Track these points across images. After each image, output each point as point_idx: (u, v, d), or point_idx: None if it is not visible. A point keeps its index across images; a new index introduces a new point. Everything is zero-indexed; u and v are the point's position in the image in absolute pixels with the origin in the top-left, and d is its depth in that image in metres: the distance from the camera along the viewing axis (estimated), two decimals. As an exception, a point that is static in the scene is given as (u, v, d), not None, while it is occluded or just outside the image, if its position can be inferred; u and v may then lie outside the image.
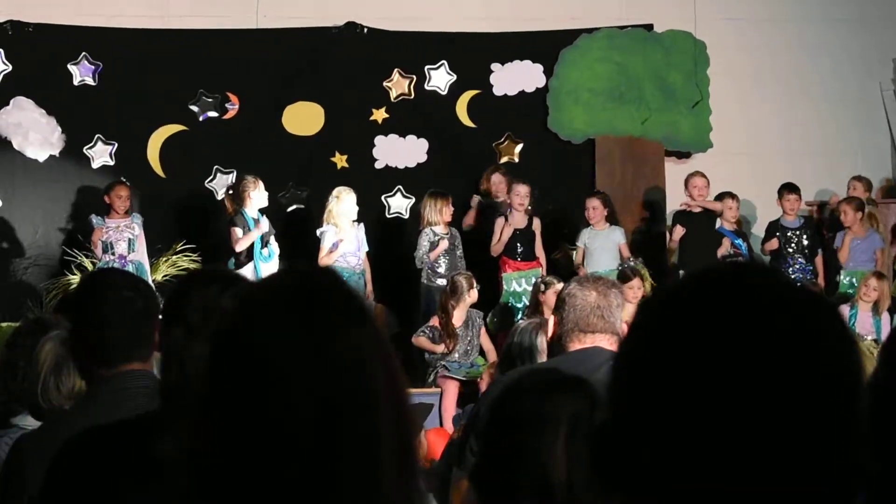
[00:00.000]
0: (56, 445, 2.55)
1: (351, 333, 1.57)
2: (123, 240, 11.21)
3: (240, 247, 11.03)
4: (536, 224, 11.71)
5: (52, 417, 3.32)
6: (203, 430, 1.55)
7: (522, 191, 11.63)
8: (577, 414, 2.43)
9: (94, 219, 11.31)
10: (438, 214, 11.30)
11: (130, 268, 11.03)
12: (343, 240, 11.17)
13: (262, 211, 11.32)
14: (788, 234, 12.17)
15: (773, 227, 12.26)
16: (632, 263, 11.02)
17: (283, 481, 1.49)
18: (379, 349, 1.60)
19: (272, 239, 11.32)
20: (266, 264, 11.09)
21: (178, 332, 2.54)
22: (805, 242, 12.16)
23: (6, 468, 2.96)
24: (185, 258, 11.50)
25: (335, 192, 11.31)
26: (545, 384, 2.50)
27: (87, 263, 11.52)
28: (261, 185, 11.30)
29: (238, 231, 11.08)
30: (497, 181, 12.24)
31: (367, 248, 11.41)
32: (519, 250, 11.58)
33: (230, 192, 11.66)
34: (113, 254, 11.15)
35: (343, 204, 11.23)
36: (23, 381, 3.81)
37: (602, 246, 11.70)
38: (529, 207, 11.65)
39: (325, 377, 1.51)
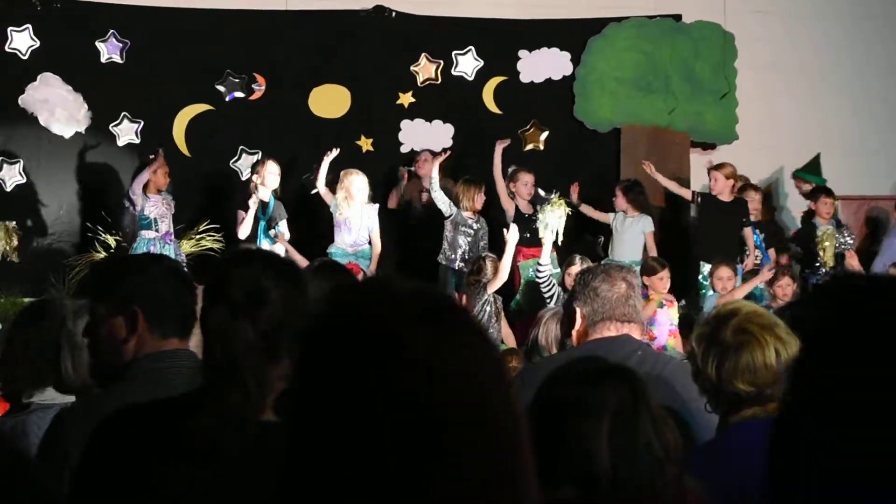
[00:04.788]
0: (96, 421, 2.56)
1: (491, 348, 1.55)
2: (168, 217, 11.21)
3: (241, 233, 10.99)
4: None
5: (94, 393, 3.32)
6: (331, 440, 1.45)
7: (529, 179, 11.71)
8: (622, 402, 2.42)
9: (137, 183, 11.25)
10: (470, 202, 11.30)
11: (173, 246, 11.06)
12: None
13: (275, 193, 11.26)
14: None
15: (809, 228, 12.22)
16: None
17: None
18: None
19: (283, 223, 11.26)
20: (272, 246, 11.04)
21: (221, 312, 2.55)
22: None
23: (46, 441, 2.97)
24: (209, 238, 11.51)
25: (344, 174, 11.26)
26: (592, 373, 2.49)
27: (111, 241, 11.54)
28: (270, 164, 11.27)
29: (241, 214, 11.06)
30: (423, 158, 12.19)
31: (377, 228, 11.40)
32: (527, 236, 11.58)
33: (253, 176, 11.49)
34: (157, 230, 11.13)
35: (355, 186, 11.20)
36: (38, 359, 3.75)
37: (629, 234, 11.69)
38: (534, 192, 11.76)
39: (474, 395, 1.47)
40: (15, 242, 11.62)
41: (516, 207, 11.71)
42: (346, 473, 1.41)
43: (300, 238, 11.38)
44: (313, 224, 12.18)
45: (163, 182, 11.27)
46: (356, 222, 11.20)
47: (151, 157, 11.59)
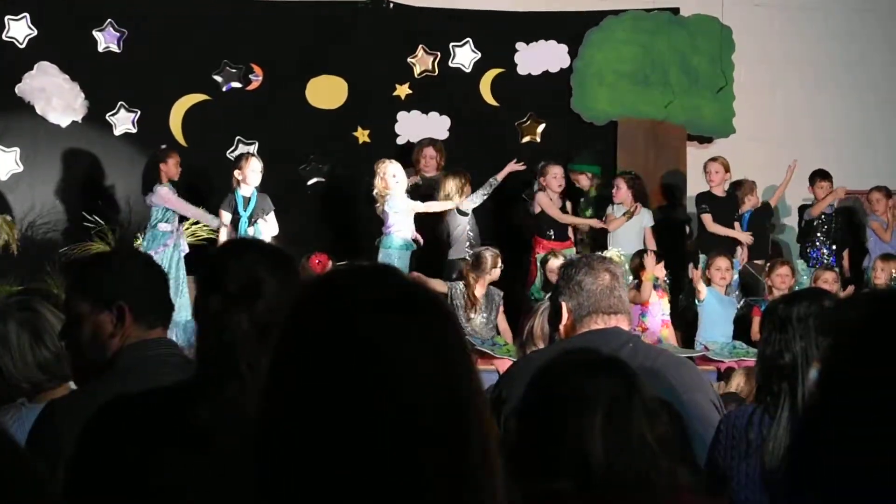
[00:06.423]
0: (89, 412, 2.55)
1: (458, 335, 1.54)
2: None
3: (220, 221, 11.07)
4: (568, 205, 11.89)
5: (86, 384, 3.31)
6: (292, 425, 1.48)
7: (559, 172, 11.77)
8: (616, 394, 2.43)
9: (164, 188, 11.21)
10: (460, 194, 11.31)
11: (182, 238, 11.10)
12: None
13: (258, 188, 11.24)
14: (820, 220, 12.16)
15: (806, 212, 12.30)
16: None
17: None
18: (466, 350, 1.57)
19: (271, 216, 11.23)
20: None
21: (215, 301, 2.55)
22: (835, 230, 12.15)
23: (37, 433, 2.95)
24: (204, 228, 11.50)
25: (385, 166, 11.24)
26: (585, 365, 2.50)
27: (108, 231, 11.56)
28: (252, 161, 11.25)
29: (223, 214, 11.12)
30: (429, 155, 12.16)
31: None
32: (551, 231, 11.62)
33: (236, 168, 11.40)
34: (169, 222, 11.13)
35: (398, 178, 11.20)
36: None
37: (628, 227, 11.68)
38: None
39: (441, 379, 1.47)
40: (15, 234, 11.63)
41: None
42: (314, 468, 1.46)
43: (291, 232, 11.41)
44: (303, 218, 12.20)
45: (174, 172, 11.28)
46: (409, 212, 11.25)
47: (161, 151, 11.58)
